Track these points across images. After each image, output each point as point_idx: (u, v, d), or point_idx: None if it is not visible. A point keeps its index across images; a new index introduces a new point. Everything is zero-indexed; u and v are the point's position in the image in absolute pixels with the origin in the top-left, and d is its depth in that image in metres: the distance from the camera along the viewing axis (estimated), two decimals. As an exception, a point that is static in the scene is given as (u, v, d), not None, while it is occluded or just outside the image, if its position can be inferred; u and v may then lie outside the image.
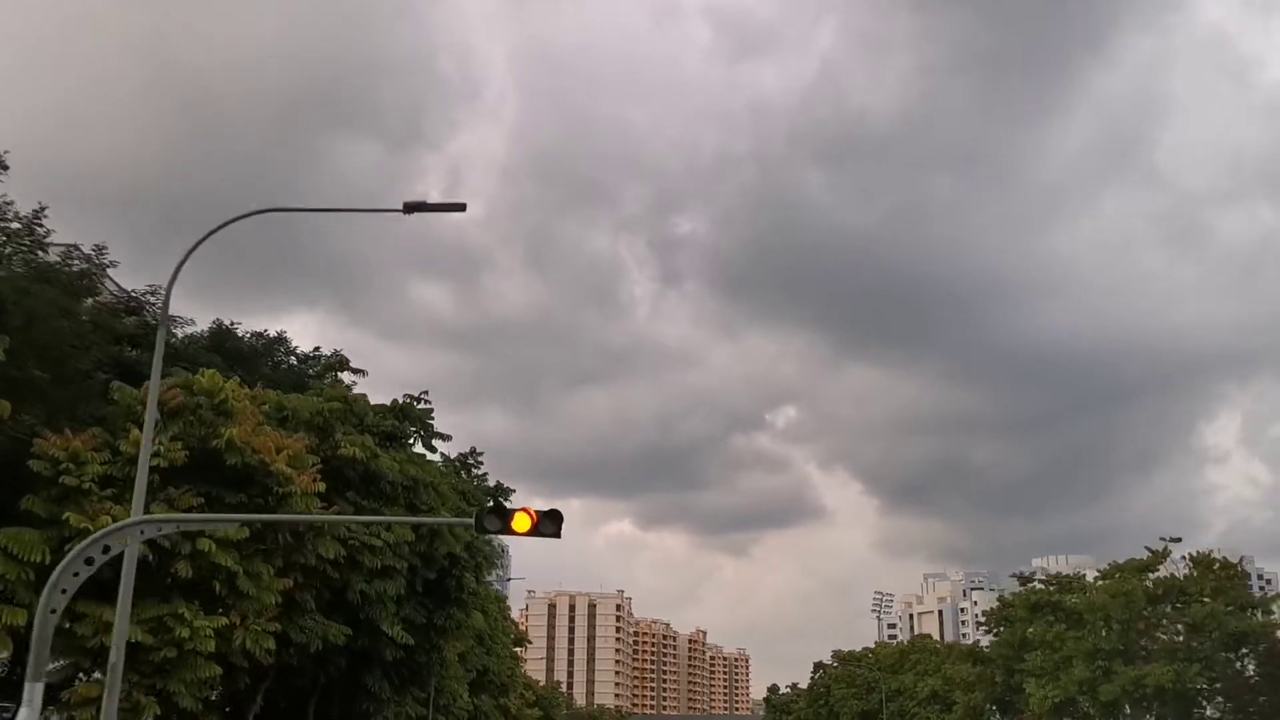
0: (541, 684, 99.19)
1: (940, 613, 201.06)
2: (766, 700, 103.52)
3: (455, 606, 31.30)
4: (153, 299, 23.83)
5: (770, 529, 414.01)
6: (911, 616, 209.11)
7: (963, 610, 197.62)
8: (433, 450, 30.90)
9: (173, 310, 20.19)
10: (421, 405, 30.25)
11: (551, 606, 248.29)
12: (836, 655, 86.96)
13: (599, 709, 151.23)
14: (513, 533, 12.62)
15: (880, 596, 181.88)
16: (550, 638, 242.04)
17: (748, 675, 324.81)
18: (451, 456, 35.81)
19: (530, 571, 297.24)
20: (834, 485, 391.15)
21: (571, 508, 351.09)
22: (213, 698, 21.91)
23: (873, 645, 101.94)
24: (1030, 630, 50.16)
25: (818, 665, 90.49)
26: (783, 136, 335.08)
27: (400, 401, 29.39)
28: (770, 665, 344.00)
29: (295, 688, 30.86)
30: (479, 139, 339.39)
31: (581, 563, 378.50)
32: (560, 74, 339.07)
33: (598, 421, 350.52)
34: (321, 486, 20.02)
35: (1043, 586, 53.48)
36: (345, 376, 30.10)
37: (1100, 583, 49.15)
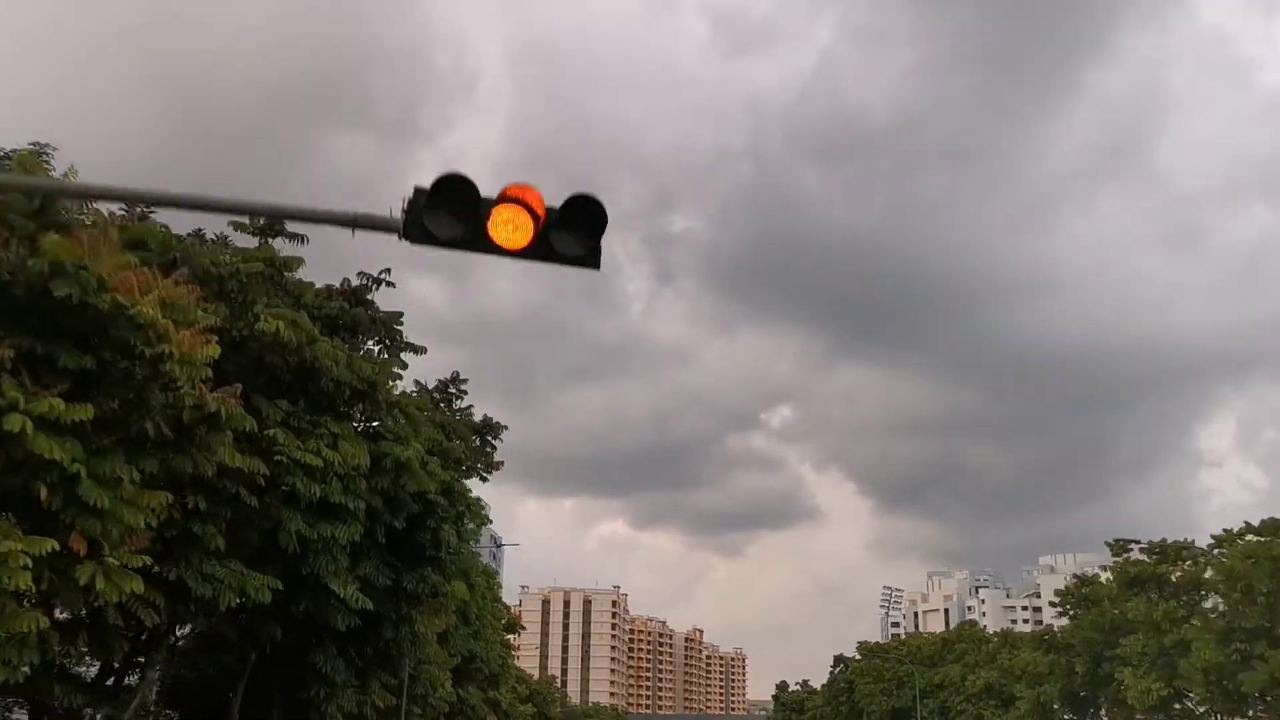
0: (536, 679, 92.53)
1: (946, 611, 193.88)
2: (775, 698, 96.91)
3: (431, 568, 24.56)
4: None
5: (764, 529, 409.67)
6: (916, 615, 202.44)
7: (969, 609, 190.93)
8: (403, 367, 24.11)
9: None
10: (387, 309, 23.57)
11: (546, 602, 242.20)
12: (862, 647, 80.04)
13: (594, 707, 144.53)
14: (492, 247, 5.88)
15: (889, 591, 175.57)
16: (544, 634, 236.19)
17: (744, 675, 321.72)
18: (429, 387, 29.00)
19: (522, 571, 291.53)
20: (828, 486, 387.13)
21: (564, 507, 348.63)
22: (56, 664, 15.31)
23: (885, 642, 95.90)
24: (1127, 609, 42.36)
25: (838, 659, 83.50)
26: (779, 133, 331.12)
27: (352, 284, 22.36)
28: (764, 666, 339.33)
29: (217, 670, 24.22)
30: (473, 133, 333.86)
31: (574, 562, 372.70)
32: (556, 69, 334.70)
33: (591, 420, 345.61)
34: (215, 351, 13.33)
35: (1144, 557, 44.91)
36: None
37: (1218, 552, 41.40)
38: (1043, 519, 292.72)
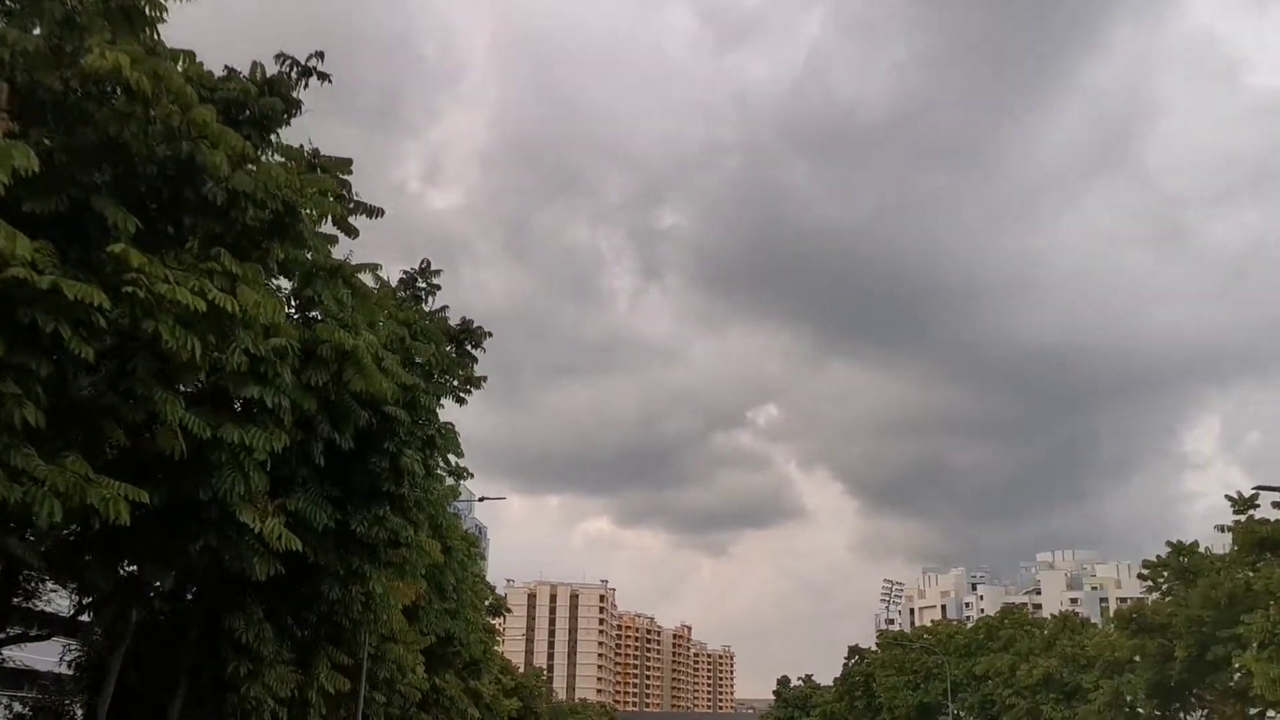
0: (521, 670, 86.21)
1: (944, 607, 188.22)
2: (776, 694, 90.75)
3: (390, 507, 18.53)
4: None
5: (749, 529, 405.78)
6: (912, 611, 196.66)
7: (967, 605, 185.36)
8: (350, 234, 17.77)
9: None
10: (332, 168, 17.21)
11: (531, 596, 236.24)
12: (883, 637, 73.10)
13: (583, 704, 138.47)
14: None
15: (890, 585, 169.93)
16: (530, 629, 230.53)
17: (732, 674, 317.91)
18: (392, 283, 22.44)
19: (506, 567, 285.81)
20: (814, 485, 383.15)
21: (550, 505, 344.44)
22: None
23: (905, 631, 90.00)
24: (1252, 580, 34.99)
25: (853, 650, 76.78)
26: (769, 128, 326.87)
27: (265, 72, 14.63)
28: (749, 666, 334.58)
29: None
30: (459, 125, 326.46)
31: (559, 560, 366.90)
32: (543, 61, 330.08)
33: (578, 417, 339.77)
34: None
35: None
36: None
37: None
38: (1028, 521, 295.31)
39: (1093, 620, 63.11)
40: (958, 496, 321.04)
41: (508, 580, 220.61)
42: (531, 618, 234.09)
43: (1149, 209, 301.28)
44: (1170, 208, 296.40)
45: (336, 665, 24.49)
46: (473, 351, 23.14)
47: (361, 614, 21.16)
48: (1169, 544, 41.33)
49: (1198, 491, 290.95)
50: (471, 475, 28.72)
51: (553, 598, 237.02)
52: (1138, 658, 40.76)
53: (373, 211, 17.62)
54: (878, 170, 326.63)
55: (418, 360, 19.03)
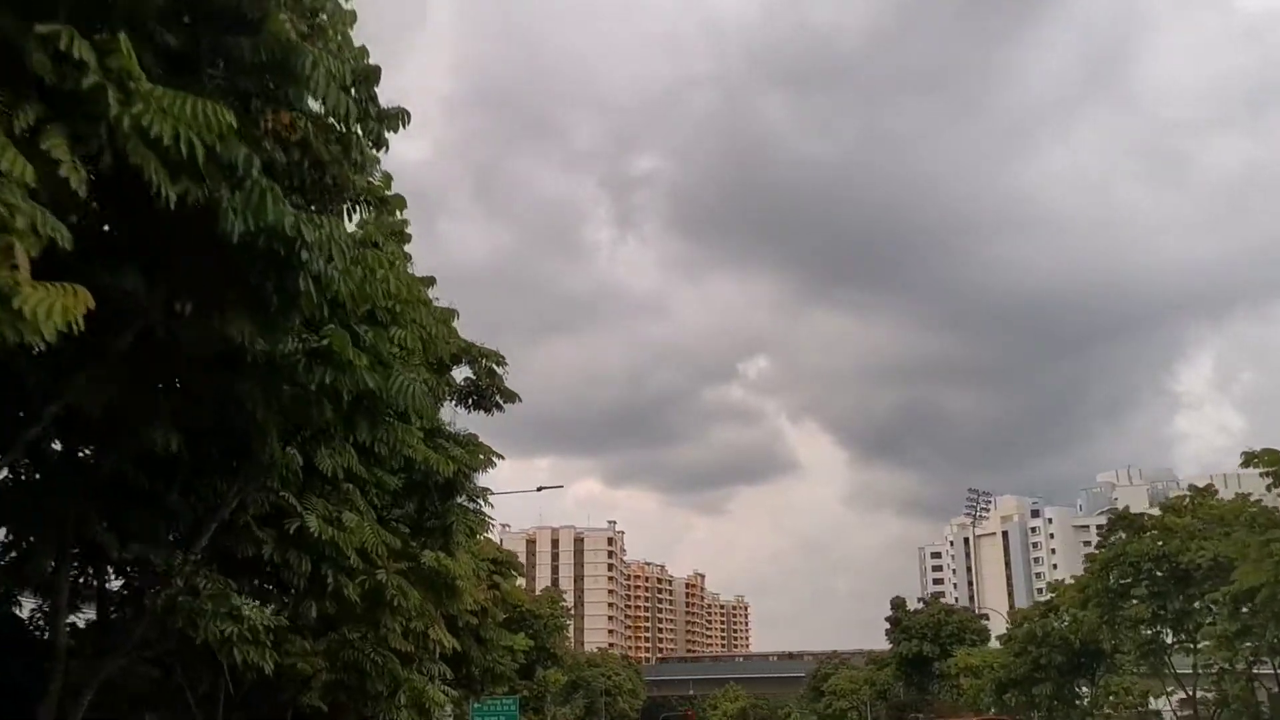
0: (537, 595, 62.89)
1: (1005, 534, 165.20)
2: (893, 620, 66.55)
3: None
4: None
5: (743, 484, 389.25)
6: (966, 541, 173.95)
7: (1033, 530, 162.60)
8: None
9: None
10: None
11: (531, 543, 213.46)
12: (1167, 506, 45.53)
13: (601, 654, 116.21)
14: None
15: (976, 495, 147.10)
16: (531, 580, 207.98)
17: (747, 624, 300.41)
18: None
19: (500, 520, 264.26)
20: (804, 438, 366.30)
21: (539, 467, 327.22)
22: None
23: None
24: None
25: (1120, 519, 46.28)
26: (742, 58, 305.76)
27: None
28: (753, 622, 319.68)
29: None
30: (420, 69, 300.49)
31: (550, 523, 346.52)
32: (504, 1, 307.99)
33: (564, 376, 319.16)
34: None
35: None
36: None
37: None
38: (1020, 466, 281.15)
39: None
40: (949, 445, 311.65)
41: (503, 525, 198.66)
42: (531, 566, 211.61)
43: (1141, 137, 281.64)
44: (1163, 134, 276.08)
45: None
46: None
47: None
48: None
49: (1190, 433, 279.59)
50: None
51: (554, 542, 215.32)
52: None
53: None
54: (858, 101, 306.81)
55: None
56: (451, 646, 24.94)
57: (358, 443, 12.70)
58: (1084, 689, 45.49)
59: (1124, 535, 39.24)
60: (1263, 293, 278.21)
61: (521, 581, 46.56)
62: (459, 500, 21.05)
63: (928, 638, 63.35)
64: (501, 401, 22.11)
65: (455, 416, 21.70)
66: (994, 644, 59.01)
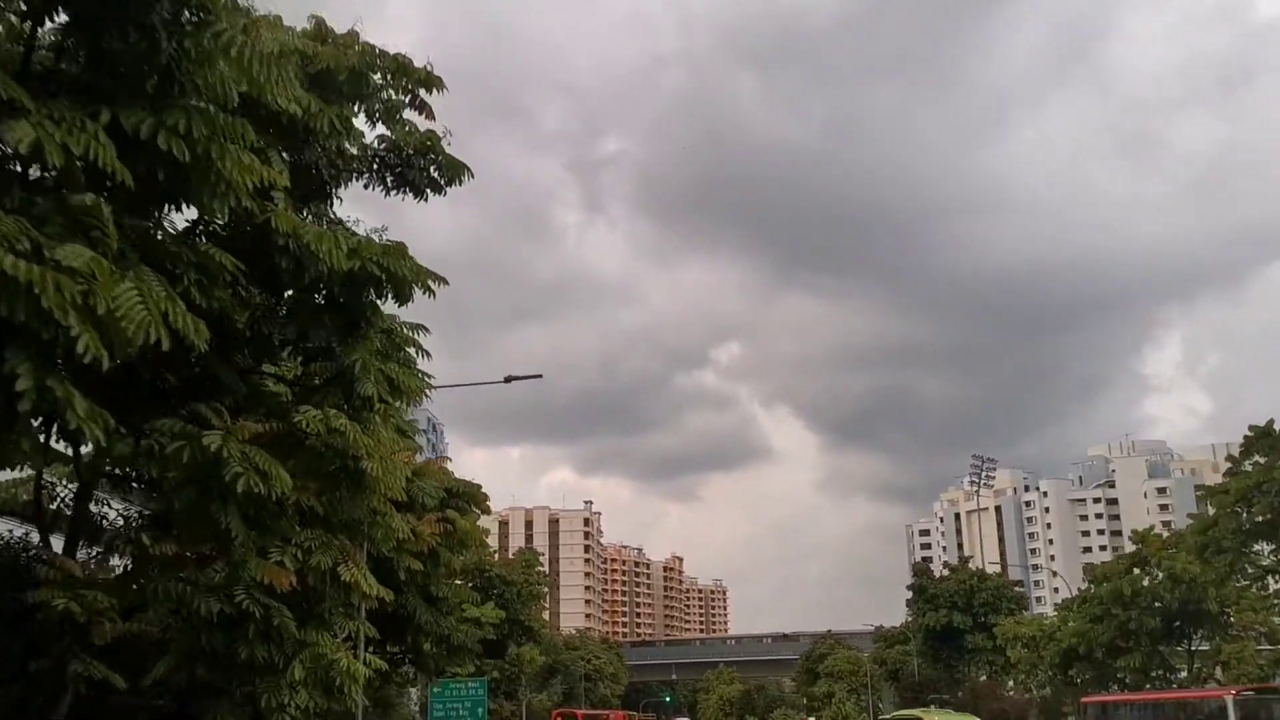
0: (511, 558, 53.88)
1: (999, 509, 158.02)
2: (915, 589, 57.31)
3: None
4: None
5: (716, 471, 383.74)
6: (958, 516, 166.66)
7: (1027, 504, 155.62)
8: None
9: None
10: None
11: (504, 524, 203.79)
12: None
13: (580, 636, 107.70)
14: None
15: (980, 461, 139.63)
16: (503, 563, 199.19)
17: (725, 608, 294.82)
18: None
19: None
20: (775, 423, 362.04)
21: (510, 457, 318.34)
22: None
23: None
24: None
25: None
26: (709, 36, 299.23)
27: None
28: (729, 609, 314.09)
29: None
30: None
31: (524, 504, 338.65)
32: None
33: (535, 363, 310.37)
34: None
35: None
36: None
37: None
38: (992, 449, 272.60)
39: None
40: (920, 428, 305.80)
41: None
42: (504, 549, 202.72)
43: (1111, 117, 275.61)
44: (1133, 115, 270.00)
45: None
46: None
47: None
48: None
49: (1159, 417, 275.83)
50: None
51: (528, 524, 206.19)
52: None
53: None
54: (827, 82, 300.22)
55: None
56: (377, 595, 16.10)
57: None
58: (1179, 660, 37.23)
59: (1263, 459, 30.71)
60: (1230, 275, 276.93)
61: (485, 524, 37.79)
62: (369, 332, 12.14)
63: (958, 607, 55.24)
64: (441, 178, 13.18)
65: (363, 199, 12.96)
66: (1047, 610, 50.66)
